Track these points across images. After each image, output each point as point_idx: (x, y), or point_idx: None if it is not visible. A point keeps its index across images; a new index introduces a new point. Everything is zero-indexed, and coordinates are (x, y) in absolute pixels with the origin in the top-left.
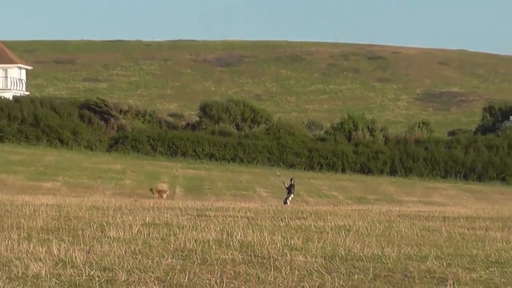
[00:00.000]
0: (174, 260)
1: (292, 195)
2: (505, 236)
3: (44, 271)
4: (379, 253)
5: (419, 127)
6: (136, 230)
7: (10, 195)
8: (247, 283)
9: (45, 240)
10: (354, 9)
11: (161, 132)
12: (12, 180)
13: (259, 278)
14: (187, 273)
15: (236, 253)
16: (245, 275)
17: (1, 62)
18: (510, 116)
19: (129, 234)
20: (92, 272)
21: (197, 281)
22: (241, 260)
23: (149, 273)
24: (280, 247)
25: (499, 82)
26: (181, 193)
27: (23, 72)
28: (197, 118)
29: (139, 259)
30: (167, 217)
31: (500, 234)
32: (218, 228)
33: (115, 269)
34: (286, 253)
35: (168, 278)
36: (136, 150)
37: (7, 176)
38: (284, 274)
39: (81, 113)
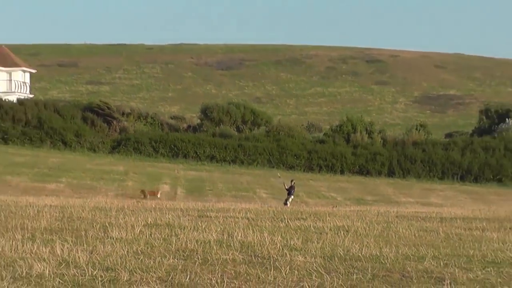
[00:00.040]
0: (176, 260)
1: (292, 197)
2: (501, 237)
3: (47, 271)
4: (377, 253)
5: (416, 129)
6: (138, 230)
7: (14, 196)
8: (248, 283)
9: (48, 241)
10: (352, 13)
11: (163, 134)
12: (16, 182)
13: (259, 278)
14: (189, 273)
15: (237, 253)
16: (245, 275)
17: (6, 66)
18: (506, 119)
19: (131, 235)
20: (95, 272)
21: (198, 281)
22: (241, 260)
23: (151, 273)
24: (280, 247)
25: (495, 85)
26: (182, 194)
27: (27, 75)
28: (198, 121)
29: (141, 259)
30: (169, 218)
31: (496, 234)
32: (219, 229)
33: (118, 269)
34: (285, 253)
35: (170, 278)
36: (138, 152)
37: (12, 178)
38: (284, 274)
39: (84, 115)
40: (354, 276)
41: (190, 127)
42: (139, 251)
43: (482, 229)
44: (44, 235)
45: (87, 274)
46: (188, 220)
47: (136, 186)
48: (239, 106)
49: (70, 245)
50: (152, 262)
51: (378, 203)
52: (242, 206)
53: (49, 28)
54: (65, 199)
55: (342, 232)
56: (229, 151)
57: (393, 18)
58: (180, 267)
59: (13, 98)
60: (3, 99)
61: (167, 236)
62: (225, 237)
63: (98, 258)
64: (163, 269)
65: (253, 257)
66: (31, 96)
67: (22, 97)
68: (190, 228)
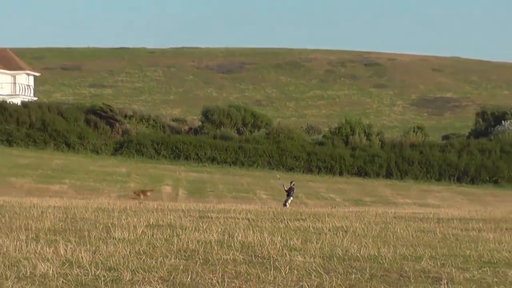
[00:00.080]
0: (177, 260)
1: (292, 198)
2: (497, 237)
3: (51, 271)
4: (376, 254)
5: (414, 131)
6: (140, 231)
7: (19, 197)
8: (248, 283)
9: (52, 241)
10: (351, 17)
11: (165, 137)
12: (20, 183)
13: (259, 277)
14: (190, 272)
15: (237, 254)
16: (246, 274)
17: (10, 69)
18: (502, 121)
19: (133, 235)
20: (98, 272)
21: (200, 281)
22: (242, 260)
23: (153, 273)
24: (280, 247)
25: (492, 88)
26: (184, 196)
27: (31, 78)
28: (200, 123)
29: (143, 259)
30: (171, 219)
31: (492, 235)
32: (219, 229)
33: (120, 269)
34: (285, 254)
35: (172, 278)
36: (141, 153)
37: (16, 179)
38: (283, 273)
39: (87, 118)
40: (353, 276)
41: (191, 129)
42: (141, 251)
43: (479, 229)
44: (48, 236)
45: (90, 274)
46: (190, 220)
47: (139, 187)
48: (240, 109)
49: (74, 245)
50: (154, 262)
51: (376, 204)
52: (242, 207)
53: (53, 32)
54: (69, 200)
55: (341, 233)
56: (229, 153)
57: (391, 22)
58: (181, 267)
59: (17, 100)
60: (8, 102)
61: (169, 236)
62: (226, 238)
63: (101, 258)
64: (165, 269)
65: (253, 257)
66: (35, 99)
67: (26, 100)
68: (192, 229)
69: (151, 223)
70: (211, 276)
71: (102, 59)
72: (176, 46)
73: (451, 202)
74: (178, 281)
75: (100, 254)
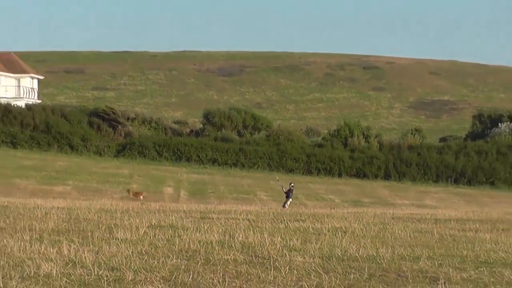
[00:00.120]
0: (179, 260)
1: (291, 200)
2: (493, 238)
3: (55, 271)
4: (374, 254)
5: (412, 133)
6: (142, 231)
7: (23, 198)
8: (248, 282)
9: (56, 241)
10: (350, 22)
11: (166, 139)
12: (24, 184)
13: (259, 277)
14: (191, 272)
15: (238, 254)
16: (246, 274)
17: (15, 72)
18: (499, 123)
19: (136, 236)
20: (101, 272)
21: (201, 280)
22: (242, 260)
23: (155, 273)
24: (280, 248)
25: (488, 91)
26: (185, 197)
27: (35, 81)
28: (201, 125)
29: (146, 260)
30: (172, 219)
31: (489, 235)
32: (220, 230)
33: (123, 269)
34: (285, 254)
35: (173, 278)
36: (143, 155)
37: (20, 181)
38: (283, 273)
39: (90, 120)
40: (352, 276)
41: (192, 131)
42: (144, 252)
43: (475, 230)
44: (52, 236)
45: (93, 274)
46: (191, 221)
47: (141, 188)
48: (240, 111)
49: (77, 245)
50: (156, 262)
51: (374, 205)
52: (243, 208)
53: (57, 36)
54: (72, 201)
55: (339, 233)
56: (230, 155)
57: (389, 27)
58: (183, 267)
59: (21, 103)
60: (12, 105)
61: (171, 237)
62: (227, 238)
63: (104, 258)
64: (166, 269)
65: (253, 257)
66: (39, 101)
67: (30, 103)
68: (193, 229)
69: (153, 223)
70: (212, 276)
71: (105, 62)
72: (178, 49)
73: (448, 203)
74: (179, 281)
75: (103, 254)
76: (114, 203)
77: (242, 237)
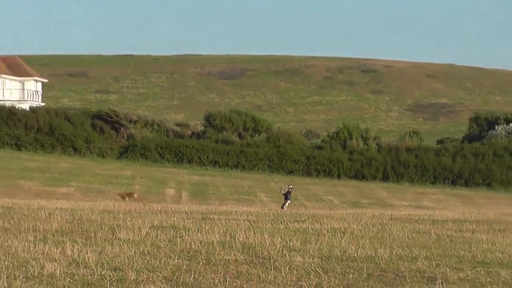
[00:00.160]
0: (181, 260)
1: (289, 201)
2: (490, 238)
3: (58, 271)
4: (372, 254)
5: (409, 136)
6: (144, 232)
7: (27, 199)
8: (249, 282)
9: (59, 242)
10: (348, 25)
11: (168, 141)
12: (28, 186)
13: (260, 277)
14: (193, 272)
15: (239, 254)
16: (247, 274)
17: (19, 75)
18: (495, 126)
19: (138, 236)
20: (104, 272)
21: (202, 280)
22: (243, 261)
23: (157, 273)
24: (280, 248)
25: (485, 93)
26: (187, 198)
27: (39, 84)
28: (202, 128)
29: (148, 260)
30: (174, 220)
31: (485, 236)
32: (221, 231)
33: (125, 269)
34: (285, 254)
35: (175, 278)
36: (145, 157)
37: (24, 182)
38: (283, 273)
39: (93, 123)
40: (350, 276)
41: (194, 133)
42: (146, 252)
43: (472, 231)
44: (55, 237)
45: (96, 274)
46: (192, 222)
47: (143, 190)
48: (241, 114)
49: (80, 246)
50: (158, 262)
51: (373, 206)
52: (243, 209)
53: (60, 39)
54: (75, 202)
55: (339, 234)
56: (231, 157)
57: (388, 31)
58: (184, 267)
59: (25, 106)
60: (17, 107)
61: (172, 237)
62: (228, 239)
63: (107, 259)
64: (168, 269)
65: (254, 257)
66: (43, 104)
67: (35, 105)
68: (194, 230)
69: (155, 224)
70: (213, 276)
71: (108, 66)
72: (180, 53)
73: (445, 204)
74: (181, 281)
75: (105, 255)
76: (116, 204)
77: (242, 238)
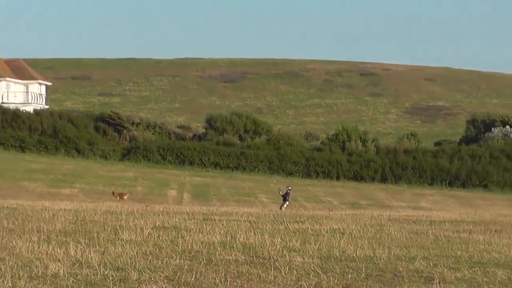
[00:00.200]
0: (182, 260)
1: (287, 203)
2: (487, 239)
3: (62, 271)
4: (371, 254)
5: (407, 138)
6: (147, 233)
7: (31, 201)
8: (249, 282)
9: (63, 242)
10: (347, 29)
11: (170, 143)
12: (32, 187)
13: (260, 277)
14: (194, 272)
15: (239, 254)
16: (247, 274)
17: (23, 79)
18: (492, 128)
19: (140, 237)
20: (107, 272)
21: (203, 280)
22: (243, 261)
23: (159, 273)
24: (280, 248)
25: (481, 96)
26: (188, 199)
27: (43, 87)
28: (203, 130)
29: (150, 260)
30: (176, 221)
31: (482, 236)
32: (222, 231)
33: (128, 269)
34: (285, 254)
35: (177, 277)
36: (147, 159)
37: (28, 183)
38: (283, 273)
39: (96, 125)
40: (349, 276)
41: (195, 136)
42: (148, 252)
43: (469, 231)
44: (59, 237)
45: (99, 274)
46: (194, 223)
47: (145, 191)
48: (241, 116)
49: (83, 246)
50: (160, 263)
51: (371, 207)
52: (244, 210)
53: (64, 43)
54: (79, 203)
55: (338, 234)
56: (232, 159)
57: (386, 35)
58: (186, 267)
59: (30, 109)
60: (21, 110)
61: (174, 238)
62: (228, 239)
63: (110, 259)
64: (170, 269)
65: (254, 257)
66: (47, 107)
67: (38, 108)
68: (196, 231)
69: (157, 225)
70: (214, 275)
71: (111, 69)
72: (181, 57)
73: (443, 205)
74: (182, 281)
75: (108, 255)
76: (119, 205)
77: (243, 238)
